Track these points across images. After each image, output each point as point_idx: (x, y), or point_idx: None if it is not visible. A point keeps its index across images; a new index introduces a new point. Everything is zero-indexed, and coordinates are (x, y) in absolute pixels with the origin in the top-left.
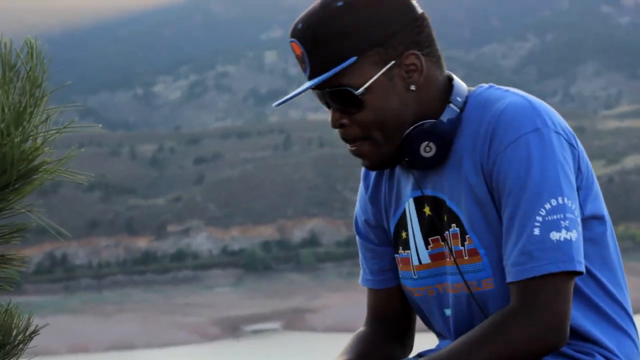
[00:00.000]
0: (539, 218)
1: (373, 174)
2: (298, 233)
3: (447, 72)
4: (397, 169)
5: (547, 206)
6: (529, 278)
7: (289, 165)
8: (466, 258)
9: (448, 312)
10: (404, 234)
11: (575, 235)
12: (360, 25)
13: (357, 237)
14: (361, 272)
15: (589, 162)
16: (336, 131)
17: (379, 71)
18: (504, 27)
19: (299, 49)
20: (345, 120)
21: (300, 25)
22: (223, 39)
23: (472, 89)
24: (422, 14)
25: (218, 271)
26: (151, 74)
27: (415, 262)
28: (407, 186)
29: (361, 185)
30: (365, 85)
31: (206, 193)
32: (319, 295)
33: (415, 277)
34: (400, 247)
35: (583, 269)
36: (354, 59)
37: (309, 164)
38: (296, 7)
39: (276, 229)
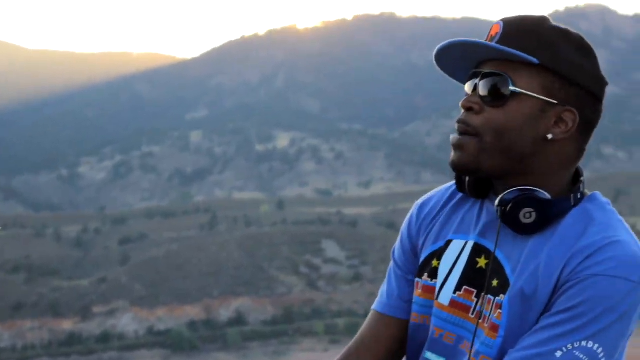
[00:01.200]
0: (569, 346)
1: (437, 195)
2: (224, 312)
3: (579, 166)
4: (471, 204)
5: (584, 344)
6: None
7: (215, 245)
8: (486, 326)
9: (432, 357)
10: (435, 263)
11: None
12: (563, 49)
13: (391, 264)
14: (377, 299)
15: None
16: (262, 210)
17: (541, 94)
18: (428, 105)
19: (497, 28)
20: (477, 107)
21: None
22: (148, 119)
23: (591, 192)
24: (602, 107)
25: (144, 352)
26: (76, 154)
27: (437, 297)
28: (472, 225)
29: (410, 213)
30: (521, 90)
31: (132, 273)
32: None
33: (433, 310)
34: (426, 274)
35: None
36: (535, 60)
37: (235, 243)
38: (221, 88)
39: (202, 309)
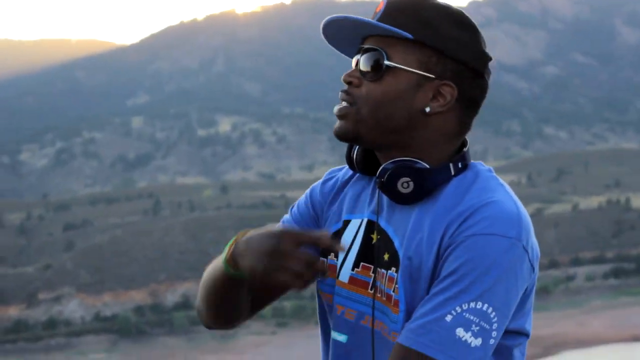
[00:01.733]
0: (458, 309)
1: (340, 175)
2: (170, 297)
3: (465, 138)
4: (366, 183)
5: (472, 304)
6: (413, 349)
7: (159, 230)
8: (386, 301)
9: (340, 337)
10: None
11: (478, 343)
12: (439, 25)
13: (287, 216)
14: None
15: (534, 286)
16: (206, 195)
17: (417, 68)
18: None
19: (381, 5)
20: (356, 80)
21: None
22: (89, 105)
23: (474, 162)
24: (486, 83)
25: (91, 337)
26: (16, 142)
27: (338, 275)
28: (366, 203)
29: (320, 182)
30: (396, 64)
31: (76, 259)
32: (194, 358)
33: (335, 289)
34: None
35: None
36: (409, 36)
37: (179, 228)
38: (161, 73)
39: (148, 294)
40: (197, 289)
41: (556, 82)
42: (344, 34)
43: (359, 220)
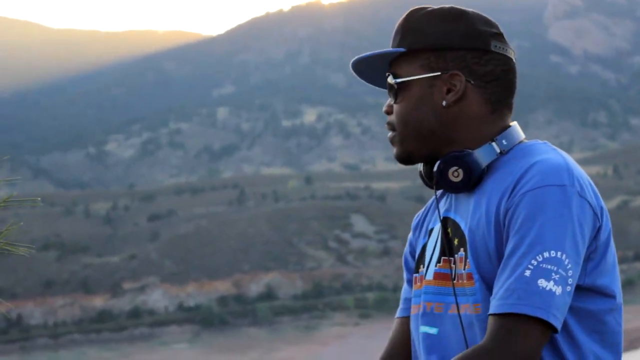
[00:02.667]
0: (533, 262)
1: (426, 206)
2: (254, 287)
3: (509, 121)
4: (441, 198)
5: (546, 254)
6: (505, 313)
7: (244, 220)
8: (464, 281)
9: (431, 330)
10: (425, 253)
11: (560, 290)
12: (427, 27)
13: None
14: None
15: (612, 243)
16: (290, 186)
17: (421, 73)
18: None
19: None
20: (390, 108)
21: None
22: (175, 96)
23: (530, 140)
24: (502, 55)
25: (175, 327)
26: (103, 132)
27: (425, 277)
28: (442, 208)
29: (412, 227)
30: (403, 79)
31: (161, 250)
32: (276, 349)
33: (423, 290)
34: (421, 266)
35: (559, 326)
36: (402, 50)
37: (264, 218)
38: (247, 64)
39: (232, 284)
40: (281, 279)
41: None
42: (370, 71)
43: (438, 225)
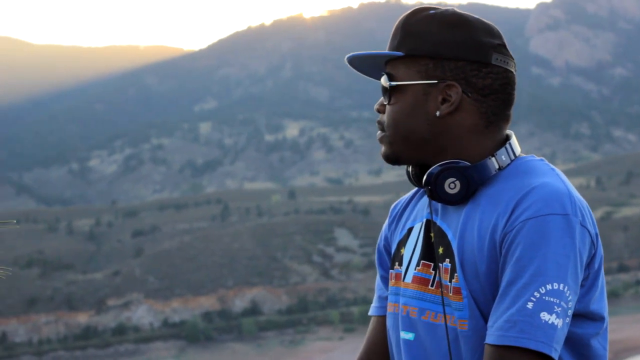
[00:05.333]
0: (536, 294)
1: (403, 199)
2: (239, 302)
3: (507, 132)
4: (423, 196)
5: (549, 287)
6: (506, 346)
7: (227, 235)
8: (450, 294)
9: (407, 335)
10: (402, 250)
11: (561, 324)
12: (427, 33)
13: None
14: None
15: (602, 266)
16: (274, 200)
17: (419, 80)
18: None
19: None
20: (382, 107)
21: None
22: (157, 111)
23: (525, 155)
24: (502, 68)
25: (160, 344)
26: (86, 148)
27: (404, 278)
28: (423, 210)
29: (387, 219)
30: (398, 83)
31: (145, 266)
32: None
33: (401, 292)
34: (397, 263)
35: (556, 358)
36: (400, 53)
37: (247, 233)
38: (229, 78)
39: (217, 299)
40: (266, 294)
41: (625, 83)
42: (365, 65)
43: (420, 224)
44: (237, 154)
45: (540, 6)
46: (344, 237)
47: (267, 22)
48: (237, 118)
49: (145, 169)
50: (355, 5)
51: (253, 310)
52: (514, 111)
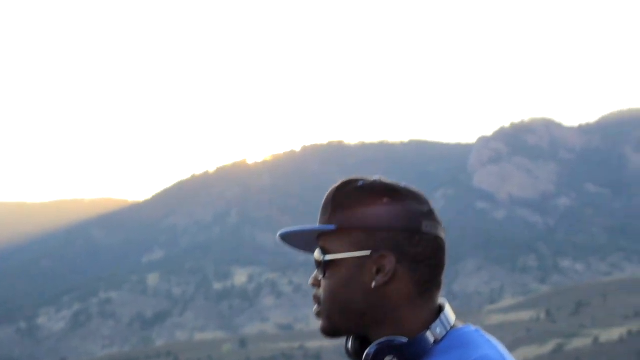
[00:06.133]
0: None
1: None
2: None
3: (441, 301)
4: None
5: None
6: None
7: None
8: None
9: None
10: None
11: None
12: (357, 205)
13: None
14: None
15: None
16: (224, 350)
17: (352, 252)
18: None
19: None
20: (316, 282)
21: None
22: (105, 265)
23: (459, 325)
24: (432, 235)
25: None
26: (33, 306)
27: None
28: None
29: None
30: (332, 256)
31: None
32: None
33: None
34: None
35: None
36: (332, 227)
37: None
38: (175, 227)
39: None
40: None
41: (570, 213)
42: (297, 240)
43: None
44: (186, 304)
45: (482, 140)
46: None
47: (211, 169)
48: (184, 267)
49: (94, 324)
50: (297, 149)
51: None
52: (460, 247)
